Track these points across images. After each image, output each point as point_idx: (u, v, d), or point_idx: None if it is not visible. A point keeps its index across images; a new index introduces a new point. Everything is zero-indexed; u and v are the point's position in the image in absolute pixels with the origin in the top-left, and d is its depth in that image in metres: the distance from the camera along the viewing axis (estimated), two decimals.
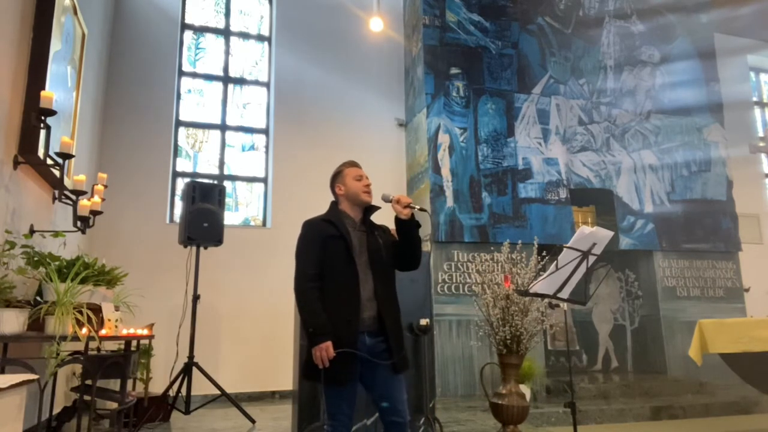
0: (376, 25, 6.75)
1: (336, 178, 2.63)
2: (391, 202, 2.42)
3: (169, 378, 4.68)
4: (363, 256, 2.42)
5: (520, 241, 4.13)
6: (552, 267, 3.12)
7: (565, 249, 3.09)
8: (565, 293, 3.17)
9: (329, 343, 2.21)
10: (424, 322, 3.70)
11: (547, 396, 5.65)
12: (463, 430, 4.21)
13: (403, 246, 2.47)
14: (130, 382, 4.16)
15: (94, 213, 3.89)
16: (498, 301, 3.86)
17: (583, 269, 3.12)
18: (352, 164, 2.64)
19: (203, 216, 4.75)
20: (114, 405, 3.90)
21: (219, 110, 6.91)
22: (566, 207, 6.68)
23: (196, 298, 4.81)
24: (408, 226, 2.42)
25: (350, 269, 2.36)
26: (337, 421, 2.27)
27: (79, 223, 3.80)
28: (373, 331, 2.36)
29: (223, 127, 6.88)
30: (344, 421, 2.28)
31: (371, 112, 7.20)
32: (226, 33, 7.13)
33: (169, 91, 6.53)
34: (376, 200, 2.56)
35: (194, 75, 6.89)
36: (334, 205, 2.60)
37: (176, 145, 6.59)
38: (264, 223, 6.79)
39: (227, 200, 6.12)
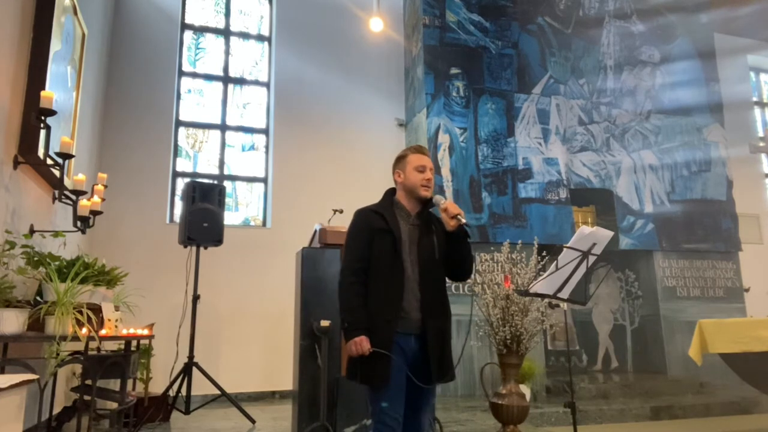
0: (376, 25, 6.75)
1: (398, 163, 2.39)
2: (439, 207, 2.27)
3: (169, 378, 4.68)
4: (413, 253, 2.25)
5: (520, 241, 4.13)
6: (552, 267, 3.12)
7: (565, 249, 3.09)
8: (565, 293, 3.17)
9: (363, 338, 2.10)
10: None
11: (547, 396, 5.65)
12: (463, 430, 4.21)
13: (450, 254, 2.30)
14: (130, 382, 4.16)
15: (94, 213, 3.89)
16: (498, 301, 3.87)
17: (583, 269, 3.12)
18: (418, 150, 2.38)
19: (203, 216, 4.75)
20: (114, 405, 3.90)
21: (219, 110, 6.91)
22: (566, 207, 6.68)
23: (196, 298, 4.81)
24: (455, 238, 2.27)
25: (397, 266, 2.20)
26: (381, 424, 2.12)
27: (79, 223, 3.80)
28: (418, 334, 2.21)
29: (223, 127, 6.88)
30: (388, 424, 2.12)
31: (371, 112, 7.20)
32: (226, 33, 7.13)
33: (169, 91, 6.52)
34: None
35: (194, 75, 6.89)
36: (390, 193, 2.40)
37: (176, 145, 6.59)
38: (264, 223, 6.79)
39: (227, 200, 6.12)
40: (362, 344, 2.10)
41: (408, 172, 2.33)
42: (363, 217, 2.31)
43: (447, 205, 2.25)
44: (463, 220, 2.23)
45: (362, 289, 2.19)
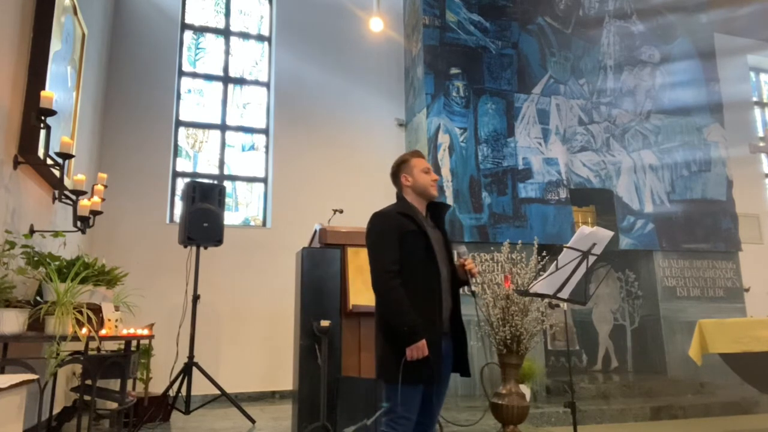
0: (376, 25, 6.75)
1: (401, 167, 2.45)
2: (460, 258, 2.36)
3: (169, 378, 4.68)
4: (440, 254, 2.32)
5: (520, 241, 4.13)
6: (552, 267, 3.13)
7: (565, 249, 3.09)
8: (565, 293, 3.17)
9: (424, 342, 2.12)
10: None
11: (547, 396, 5.65)
12: (463, 430, 4.21)
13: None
14: (130, 382, 4.16)
15: (94, 213, 3.88)
16: (498, 301, 3.87)
17: (583, 269, 3.12)
18: (419, 155, 2.48)
19: (203, 216, 4.75)
20: (114, 405, 3.91)
21: (219, 110, 6.91)
22: (566, 207, 6.68)
23: (196, 298, 4.81)
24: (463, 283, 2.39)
25: (432, 267, 2.24)
26: (403, 421, 2.15)
27: (79, 223, 3.80)
28: (446, 333, 2.28)
29: (223, 127, 6.88)
30: (411, 422, 2.17)
31: (371, 112, 7.20)
32: (226, 33, 7.13)
33: (169, 91, 6.53)
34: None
35: (194, 75, 6.89)
36: (402, 197, 2.44)
37: (176, 145, 6.59)
38: (264, 223, 6.79)
39: (227, 200, 6.12)
40: (423, 349, 2.12)
41: (416, 174, 2.40)
42: (390, 219, 2.31)
43: (463, 261, 2.34)
44: (473, 285, 2.32)
45: (404, 291, 2.20)
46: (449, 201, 6.26)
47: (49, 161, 3.46)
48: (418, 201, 2.41)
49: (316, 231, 4.03)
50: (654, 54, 7.61)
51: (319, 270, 3.76)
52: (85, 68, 4.63)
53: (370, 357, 3.58)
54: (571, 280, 3.14)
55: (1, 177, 3.03)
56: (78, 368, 4.25)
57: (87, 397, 3.17)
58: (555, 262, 3.11)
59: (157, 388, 4.94)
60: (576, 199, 6.88)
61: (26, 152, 3.25)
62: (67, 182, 3.86)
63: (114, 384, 3.92)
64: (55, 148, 3.49)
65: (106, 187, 4.15)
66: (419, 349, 2.11)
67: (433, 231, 2.36)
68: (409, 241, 2.24)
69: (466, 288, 2.37)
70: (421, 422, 2.27)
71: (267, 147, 6.98)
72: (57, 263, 3.09)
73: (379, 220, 2.33)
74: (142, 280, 4.84)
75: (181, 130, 6.70)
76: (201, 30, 7.04)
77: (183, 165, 6.64)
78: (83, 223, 3.81)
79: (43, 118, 3.16)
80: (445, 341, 2.25)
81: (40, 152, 3.32)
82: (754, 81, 9.70)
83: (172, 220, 6.26)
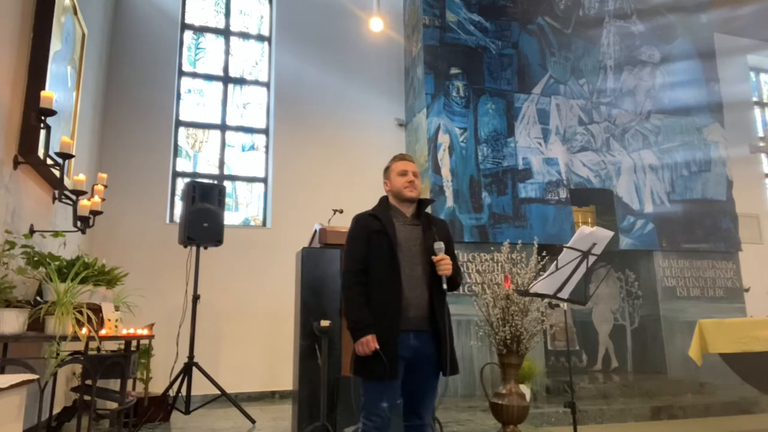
0: (376, 25, 6.75)
1: (385, 173, 2.58)
2: (435, 254, 2.36)
3: (169, 378, 4.68)
4: (411, 251, 2.36)
5: (520, 241, 4.13)
6: (552, 267, 3.13)
7: (565, 249, 3.09)
8: (565, 293, 3.17)
9: (371, 337, 2.20)
10: None
11: (547, 396, 5.65)
12: (463, 430, 4.21)
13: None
14: (130, 382, 4.15)
15: (94, 213, 3.89)
16: (498, 301, 3.87)
17: (583, 269, 3.12)
18: (401, 158, 2.56)
19: (203, 216, 4.75)
20: (114, 405, 3.90)
21: (219, 110, 6.91)
22: (566, 207, 6.68)
23: (196, 298, 4.81)
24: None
25: (394, 265, 2.30)
26: (374, 417, 2.23)
27: (79, 223, 3.80)
28: (422, 330, 2.30)
29: (223, 127, 6.88)
30: (383, 418, 2.23)
31: (371, 112, 7.20)
32: (226, 33, 7.13)
33: (169, 91, 6.53)
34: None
35: (194, 75, 6.89)
36: (385, 199, 2.55)
37: (176, 145, 6.59)
38: (264, 223, 6.79)
39: (227, 200, 6.11)
40: (370, 344, 2.20)
41: (393, 178, 2.51)
42: (360, 221, 2.45)
43: (438, 258, 2.33)
44: (444, 284, 2.33)
45: (364, 289, 2.31)
46: (449, 201, 6.26)
47: (49, 161, 3.46)
48: (399, 203, 2.49)
49: (316, 231, 4.03)
50: (654, 54, 7.61)
51: (319, 270, 3.76)
52: (85, 68, 4.63)
53: None
54: (571, 280, 3.14)
55: (1, 177, 3.03)
56: (78, 368, 4.25)
57: (87, 397, 3.17)
58: (555, 262, 3.11)
59: (157, 388, 4.94)
60: (576, 199, 6.88)
61: (26, 152, 3.25)
62: (67, 182, 3.86)
63: (114, 384, 3.92)
64: (55, 148, 3.49)
65: (106, 187, 4.15)
66: (366, 344, 2.20)
67: (410, 229, 2.42)
68: (374, 241, 2.35)
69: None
70: (412, 425, 2.32)
71: (267, 147, 6.98)
72: (57, 263, 3.09)
73: (353, 222, 2.48)
74: (142, 280, 4.84)
75: (181, 130, 6.70)
76: (201, 30, 7.04)
77: (183, 165, 6.64)
78: (83, 223, 3.81)
79: (43, 118, 3.17)
80: (420, 339, 2.29)
81: (40, 152, 3.33)
82: (754, 81, 9.70)
83: (172, 220, 6.26)
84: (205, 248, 4.92)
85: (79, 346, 2.97)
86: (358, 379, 2.33)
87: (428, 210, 2.67)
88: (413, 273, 2.33)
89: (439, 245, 2.37)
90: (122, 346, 3.59)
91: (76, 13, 4.16)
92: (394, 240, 2.33)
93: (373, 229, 2.36)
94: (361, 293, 2.29)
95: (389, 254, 2.31)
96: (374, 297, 2.28)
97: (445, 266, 2.32)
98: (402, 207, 2.48)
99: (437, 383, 2.36)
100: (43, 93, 3.13)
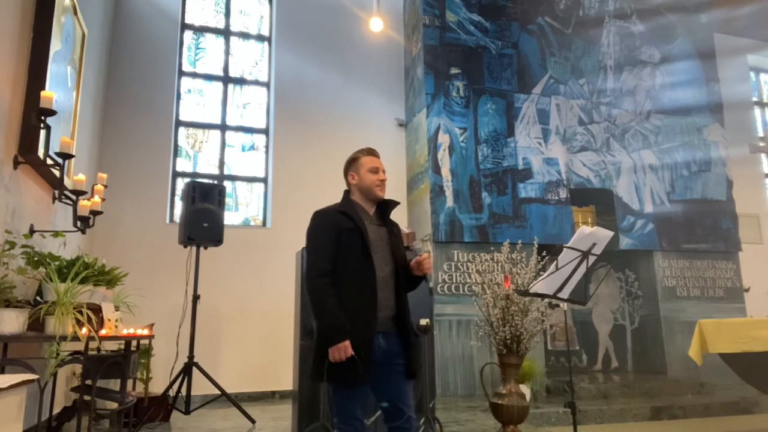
0: (376, 25, 6.75)
1: (350, 165, 2.43)
2: (415, 254, 2.34)
3: (169, 378, 4.68)
4: (381, 252, 2.28)
5: (520, 241, 4.12)
6: (552, 267, 3.13)
7: (565, 249, 3.09)
8: (565, 293, 3.17)
9: (347, 343, 2.08)
10: (424, 322, 3.70)
11: (547, 396, 5.65)
12: (463, 430, 4.21)
13: (407, 279, 2.38)
14: (130, 382, 4.16)
15: (94, 213, 3.89)
16: (498, 301, 3.86)
17: (583, 269, 3.12)
18: (370, 153, 2.44)
19: (203, 216, 4.75)
20: (114, 405, 3.90)
21: (219, 110, 6.91)
22: (566, 207, 6.68)
23: (196, 298, 4.81)
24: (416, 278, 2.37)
25: (367, 265, 2.21)
26: (350, 423, 2.16)
27: (79, 223, 3.80)
28: (389, 332, 2.24)
29: (223, 127, 6.88)
30: (357, 426, 2.17)
31: (371, 112, 7.20)
32: (226, 33, 7.13)
33: (169, 91, 6.52)
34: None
35: (194, 75, 6.89)
36: (347, 194, 2.43)
37: (176, 145, 6.59)
38: (264, 223, 6.79)
39: (227, 200, 6.11)
40: (347, 349, 2.08)
41: (362, 174, 2.37)
42: (327, 217, 2.30)
43: (421, 259, 2.30)
44: (429, 281, 2.32)
45: (334, 290, 2.17)
46: (449, 201, 6.26)
47: (49, 161, 3.46)
48: (364, 200, 2.38)
49: None
50: (654, 54, 7.61)
51: None
52: (85, 68, 4.63)
53: None
54: (571, 280, 3.14)
55: (1, 177, 3.03)
56: (78, 368, 4.25)
57: (87, 397, 3.17)
58: (555, 262, 3.11)
59: (157, 388, 4.94)
60: (576, 199, 6.88)
61: (26, 152, 3.25)
62: (67, 182, 3.86)
63: (114, 384, 3.92)
64: (55, 148, 3.49)
65: (106, 187, 4.15)
66: (341, 350, 2.07)
67: (377, 228, 2.34)
68: (346, 239, 2.22)
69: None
70: (395, 425, 2.23)
71: (267, 147, 6.98)
72: (57, 263, 3.09)
73: (315, 218, 2.33)
74: (142, 280, 4.84)
75: (181, 130, 6.70)
76: (201, 30, 7.04)
77: (183, 165, 6.64)
78: (83, 223, 3.81)
79: (43, 118, 3.17)
80: (388, 340, 2.23)
81: (40, 152, 3.32)
82: (754, 81, 9.70)
83: (172, 220, 6.26)
84: (205, 248, 4.92)
85: (79, 346, 2.97)
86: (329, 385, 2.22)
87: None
88: (383, 274, 2.25)
89: (418, 245, 2.38)
90: (122, 346, 3.59)
91: (76, 13, 4.16)
92: (368, 239, 2.24)
93: (344, 227, 2.24)
94: (333, 295, 2.15)
95: (362, 254, 2.21)
96: (346, 299, 2.16)
97: (428, 264, 2.31)
98: (366, 205, 2.37)
99: (411, 381, 2.29)
100: (43, 93, 3.13)
